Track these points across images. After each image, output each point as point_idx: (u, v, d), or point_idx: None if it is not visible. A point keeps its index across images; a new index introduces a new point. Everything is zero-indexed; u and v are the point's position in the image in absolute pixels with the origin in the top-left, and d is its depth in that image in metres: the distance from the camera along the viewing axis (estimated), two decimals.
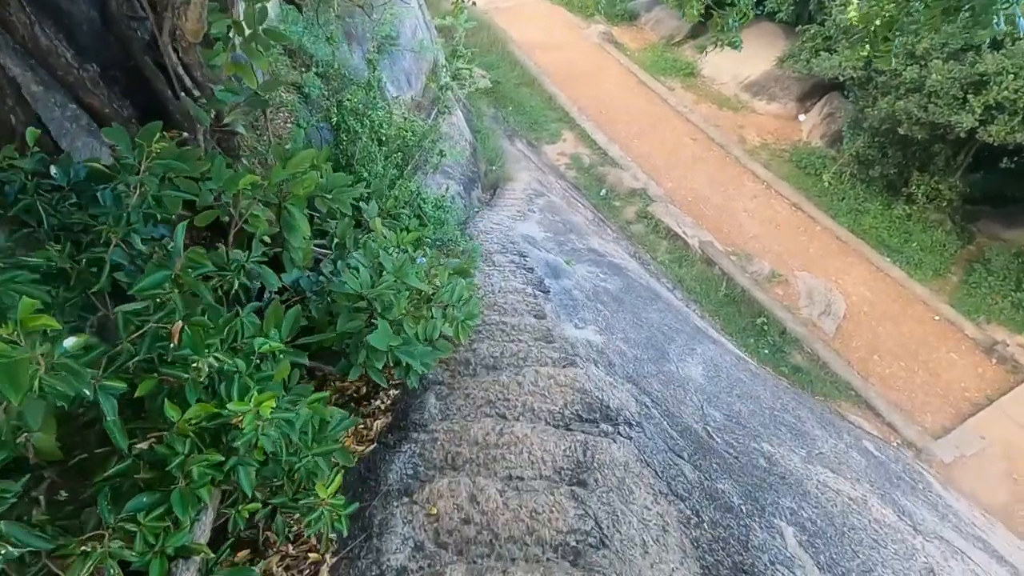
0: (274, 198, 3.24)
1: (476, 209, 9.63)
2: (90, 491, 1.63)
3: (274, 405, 1.68)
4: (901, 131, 11.05)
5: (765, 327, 10.31)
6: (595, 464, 2.87)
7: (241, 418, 1.67)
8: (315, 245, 4.06)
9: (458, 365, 3.87)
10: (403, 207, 5.52)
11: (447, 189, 8.90)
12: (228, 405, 1.66)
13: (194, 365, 1.66)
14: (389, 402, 3.49)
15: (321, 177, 3.62)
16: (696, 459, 3.50)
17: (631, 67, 16.24)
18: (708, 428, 4.58)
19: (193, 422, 1.65)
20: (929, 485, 5.89)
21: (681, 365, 5.34)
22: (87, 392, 1.39)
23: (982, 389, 9.72)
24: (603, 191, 12.83)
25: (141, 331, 1.69)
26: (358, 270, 3.40)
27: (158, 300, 1.70)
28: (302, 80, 5.86)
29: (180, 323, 1.63)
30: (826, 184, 12.85)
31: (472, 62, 7.67)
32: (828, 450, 5.34)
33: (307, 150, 3.20)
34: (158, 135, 2.18)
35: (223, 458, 1.66)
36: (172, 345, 1.64)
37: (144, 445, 1.63)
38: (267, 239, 3.34)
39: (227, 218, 3.13)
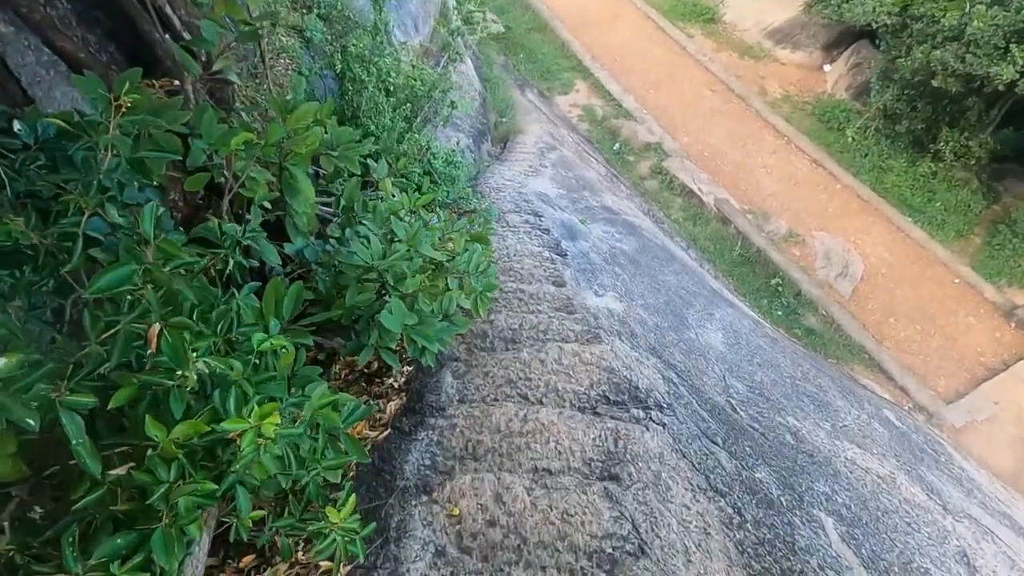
0: (274, 157, 2.86)
1: (486, 163, 9.14)
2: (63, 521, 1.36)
3: (278, 421, 1.39)
4: (935, 83, 10.33)
5: (780, 288, 9.98)
6: (628, 456, 2.61)
7: (239, 435, 1.39)
8: (320, 205, 3.70)
9: (475, 338, 3.57)
10: (413, 164, 5.10)
11: (457, 143, 8.41)
12: (223, 423, 1.36)
13: (178, 374, 1.36)
14: (403, 380, 3.22)
15: (326, 132, 3.21)
16: (730, 444, 3.25)
17: (649, 12, 15.24)
18: (732, 401, 4.33)
19: (181, 441, 1.36)
20: (951, 457, 5.70)
21: (701, 332, 5.05)
22: (31, 421, 1.09)
23: (999, 354, 9.46)
24: (616, 145, 12.23)
25: (112, 331, 1.38)
26: (368, 239, 3.05)
27: (129, 298, 1.38)
28: (303, 23, 5.31)
29: (157, 326, 1.31)
30: (850, 140, 12.21)
31: (484, 4, 7.04)
32: (851, 422, 5.11)
33: (310, 103, 2.79)
34: (128, 85, 1.79)
35: (216, 486, 1.37)
36: (149, 352, 1.33)
37: (121, 471, 1.34)
38: (267, 204, 2.98)
39: (222, 179, 2.77)
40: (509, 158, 9.32)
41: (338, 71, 4.31)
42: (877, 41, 11.87)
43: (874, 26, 11.22)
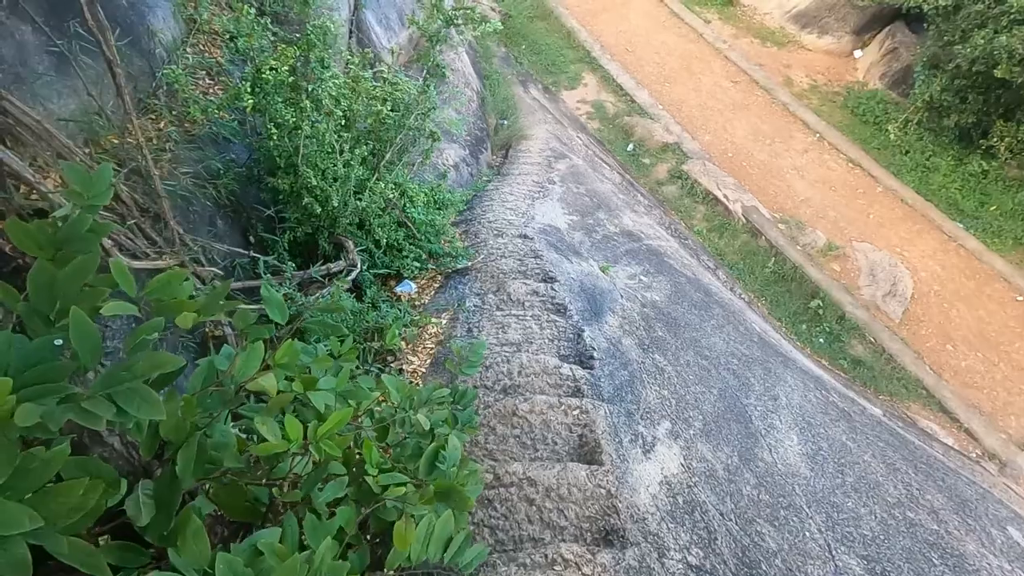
0: None
1: (485, 178, 7.56)
2: None
3: None
4: (998, 72, 8.57)
5: (820, 311, 8.40)
6: None
7: None
8: None
9: None
10: (376, 216, 3.55)
11: (446, 160, 6.82)
12: None
13: None
14: None
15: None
16: None
17: None
18: None
19: None
20: None
21: (774, 443, 3.53)
22: None
23: None
24: (630, 146, 10.57)
25: None
26: None
27: None
28: (232, 25, 3.68)
29: None
30: (892, 137, 10.47)
31: None
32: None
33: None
34: None
35: None
36: None
37: None
38: None
39: None
40: (512, 171, 7.73)
41: (247, 106, 2.76)
42: (925, 23, 10.02)
43: (925, 8, 9.39)
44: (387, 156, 3.60)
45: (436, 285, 3.82)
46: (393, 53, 7.35)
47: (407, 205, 3.74)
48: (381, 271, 3.60)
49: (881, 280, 8.76)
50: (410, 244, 3.74)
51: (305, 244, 3.37)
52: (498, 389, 2.78)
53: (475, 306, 3.48)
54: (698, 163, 10.16)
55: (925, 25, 9.89)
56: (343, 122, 3.17)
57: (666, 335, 4.10)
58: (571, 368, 2.95)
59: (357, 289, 3.49)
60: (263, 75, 3.00)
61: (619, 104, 11.26)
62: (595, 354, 3.16)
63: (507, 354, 3.01)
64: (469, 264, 3.94)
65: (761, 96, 11.48)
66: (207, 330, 2.73)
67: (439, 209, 4.14)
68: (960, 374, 7.98)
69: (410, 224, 3.74)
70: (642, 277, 5.25)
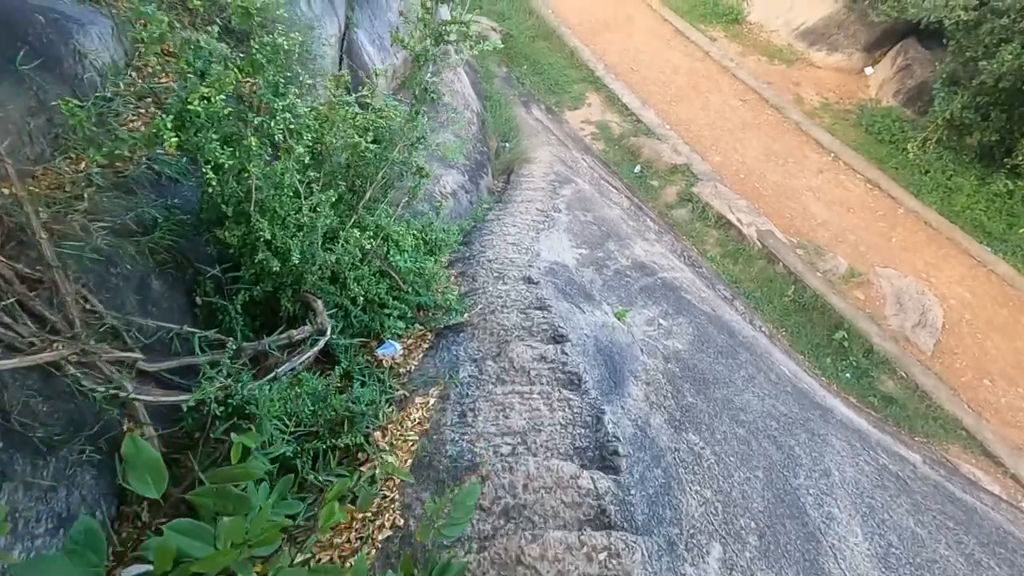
0: None
1: (485, 207, 6.94)
2: None
3: None
4: None
5: (846, 343, 7.70)
6: None
7: None
8: None
9: None
10: (352, 268, 2.91)
11: (444, 187, 6.20)
12: None
13: None
14: None
15: None
16: None
17: (665, 14, 12.88)
18: None
19: None
20: None
21: (838, 547, 2.83)
22: None
23: None
24: (637, 167, 9.96)
25: None
26: None
27: None
28: (193, 48, 3.06)
29: None
30: (911, 156, 9.85)
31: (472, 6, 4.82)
32: None
33: None
34: None
35: None
36: None
37: None
38: None
39: None
40: (514, 197, 7.11)
41: (169, 144, 2.12)
42: (944, 40, 9.43)
43: (946, 23, 8.81)
44: (368, 195, 2.98)
45: (425, 345, 3.18)
46: (387, 76, 6.77)
47: (391, 252, 3.11)
48: (360, 332, 2.95)
49: (909, 309, 8.06)
50: (394, 299, 3.09)
51: (266, 304, 2.73)
52: (497, 512, 2.10)
53: (471, 377, 2.81)
54: (709, 185, 9.55)
55: (944, 41, 9.30)
56: (308, 159, 2.54)
57: (697, 400, 3.42)
58: (592, 478, 2.25)
59: (329, 356, 2.85)
60: (190, 106, 2.34)
61: (624, 124, 10.68)
62: (620, 447, 2.47)
63: (508, 454, 2.33)
64: (465, 319, 3.29)
65: (772, 115, 10.90)
66: None
67: (430, 253, 3.51)
68: (1001, 412, 7.25)
69: (394, 274, 3.10)
70: (661, 321, 4.58)
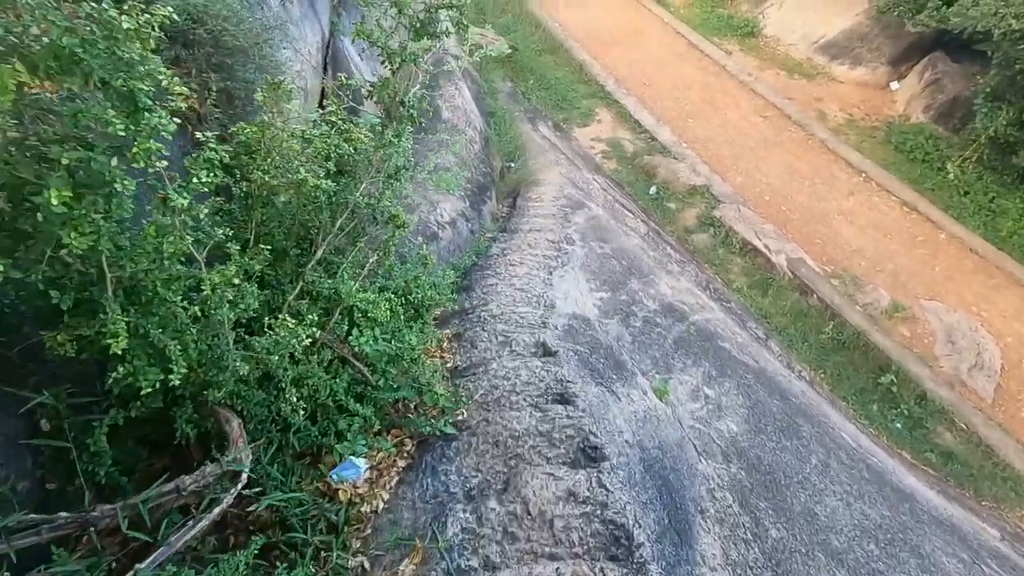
0: None
1: (489, 237, 5.97)
2: None
3: None
4: None
5: (894, 388, 6.66)
6: None
7: None
8: None
9: None
10: (287, 368, 1.93)
11: (441, 216, 5.25)
12: None
13: None
14: None
15: None
16: None
17: (677, 27, 12.02)
18: None
19: None
20: None
21: None
22: None
23: None
24: (653, 188, 9.00)
25: None
26: None
27: None
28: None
29: None
30: (951, 176, 8.87)
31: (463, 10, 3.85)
32: None
33: None
34: None
35: None
36: None
37: None
38: None
39: None
40: (521, 226, 6.14)
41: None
42: (990, 53, 8.49)
43: (995, 33, 7.88)
44: (319, 252, 2.02)
45: (401, 463, 2.18)
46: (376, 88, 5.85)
47: (353, 332, 2.14)
48: (304, 452, 1.97)
49: (963, 348, 7.03)
50: (357, 398, 2.11)
51: (152, 425, 1.75)
52: None
53: (465, 534, 1.79)
54: (731, 208, 8.57)
55: (989, 53, 8.37)
56: (218, 208, 1.60)
57: (779, 527, 2.41)
58: None
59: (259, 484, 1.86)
60: (78, 119, 1.42)
61: (637, 142, 9.75)
62: None
63: None
64: (460, 417, 2.29)
65: (795, 132, 9.96)
66: None
67: (414, 318, 2.54)
68: None
69: (358, 363, 2.12)
70: (706, 391, 3.58)
